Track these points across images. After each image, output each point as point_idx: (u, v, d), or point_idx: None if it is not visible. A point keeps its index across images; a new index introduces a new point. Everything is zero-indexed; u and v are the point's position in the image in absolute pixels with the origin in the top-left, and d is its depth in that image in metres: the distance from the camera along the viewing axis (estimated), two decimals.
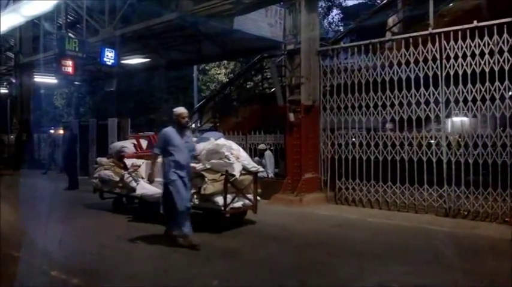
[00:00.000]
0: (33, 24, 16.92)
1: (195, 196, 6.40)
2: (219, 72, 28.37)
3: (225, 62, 26.43)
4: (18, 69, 17.49)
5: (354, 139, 8.77)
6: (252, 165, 6.70)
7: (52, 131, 17.67)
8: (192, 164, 6.44)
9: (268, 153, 10.20)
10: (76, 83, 23.44)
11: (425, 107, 7.98)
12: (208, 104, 16.54)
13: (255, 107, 12.93)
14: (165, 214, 5.75)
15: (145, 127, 23.39)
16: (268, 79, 14.71)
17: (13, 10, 15.05)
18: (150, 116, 29.02)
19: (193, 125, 18.08)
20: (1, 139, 16.46)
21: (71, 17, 16.53)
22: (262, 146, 10.38)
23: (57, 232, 6.40)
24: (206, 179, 6.21)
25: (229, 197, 6.29)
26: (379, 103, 8.41)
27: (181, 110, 5.81)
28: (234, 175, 6.28)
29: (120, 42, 13.89)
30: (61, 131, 31.49)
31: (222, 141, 6.50)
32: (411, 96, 8.09)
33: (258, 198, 6.86)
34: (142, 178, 7.15)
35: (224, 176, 6.22)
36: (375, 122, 8.64)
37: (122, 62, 15.92)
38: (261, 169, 6.87)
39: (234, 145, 6.72)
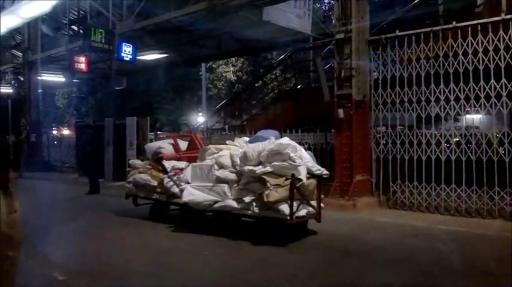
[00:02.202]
0: (42, 20, 16.08)
1: (253, 204, 5.58)
2: (227, 70, 27.56)
3: (233, 59, 25.59)
4: (27, 67, 16.61)
5: (410, 137, 7.94)
6: (317, 167, 5.88)
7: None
8: (249, 167, 5.64)
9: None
10: (77, 80, 22.41)
11: (495, 101, 7.18)
12: (234, 103, 15.58)
13: (288, 103, 12.07)
14: None
15: (150, 127, 22.60)
16: (301, 74, 13.86)
17: (11, 11, 14.35)
18: (155, 116, 28.20)
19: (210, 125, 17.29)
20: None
21: (82, 12, 15.74)
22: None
23: (97, 246, 5.58)
24: (268, 184, 5.37)
25: (294, 204, 5.45)
26: (441, 97, 7.60)
27: None
28: (300, 179, 5.45)
29: (136, 37, 13.07)
30: (63, 132, 30.64)
31: (286, 140, 5.66)
32: (479, 89, 7.28)
33: (322, 205, 6.02)
34: (188, 183, 6.30)
35: (289, 180, 5.38)
36: (436, 118, 7.83)
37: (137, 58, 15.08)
38: (326, 172, 6.03)
39: (297, 145, 5.88)
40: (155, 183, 6.93)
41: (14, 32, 17.58)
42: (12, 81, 17.14)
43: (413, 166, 7.82)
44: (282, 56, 15.12)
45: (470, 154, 7.34)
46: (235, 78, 27.41)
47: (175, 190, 6.58)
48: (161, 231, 6.35)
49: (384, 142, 8.18)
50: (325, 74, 9.57)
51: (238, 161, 5.86)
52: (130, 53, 12.63)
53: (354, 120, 8.08)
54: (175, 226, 6.58)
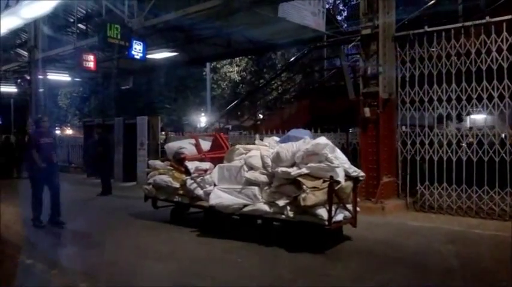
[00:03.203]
0: (49, 18, 15.74)
1: (288, 208, 5.27)
2: (231, 70, 27.24)
3: (237, 59, 25.26)
4: (33, 66, 16.26)
5: (440, 137, 7.64)
6: (353, 169, 5.57)
7: None
8: (283, 169, 5.33)
9: None
10: (79, 79, 21.99)
11: None
12: (243, 103, 15.26)
13: (304, 102, 11.74)
14: None
15: None
16: (316, 72, 13.53)
17: (12, 12, 14.07)
18: (151, 116, 27.80)
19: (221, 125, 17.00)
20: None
21: (90, 10, 15.42)
22: None
23: (123, 253, 5.26)
24: (305, 187, 5.06)
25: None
26: (474, 95, 7.30)
27: None
28: (339, 182, 5.14)
29: (146, 35, 12.74)
30: (66, 132, 30.20)
31: (323, 140, 5.35)
32: None
33: (358, 209, 5.71)
34: (215, 185, 5.99)
35: (327, 183, 5.07)
36: (467, 117, 7.53)
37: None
38: (362, 174, 5.73)
39: (334, 146, 5.57)
40: (177, 185, 6.62)
41: (19, 30, 17.26)
42: (18, 80, 16.77)
43: (442, 167, 7.52)
44: (298, 55, 14.79)
45: (504, 155, 7.04)
46: (239, 78, 27.08)
47: (199, 192, 6.29)
48: (186, 236, 6.03)
49: (411, 142, 7.88)
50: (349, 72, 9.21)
51: (269, 162, 5.55)
52: (141, 50, 12.30)
53: (381, 119, 7.78)
54: (199, 230, 6.26)
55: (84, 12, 15.59)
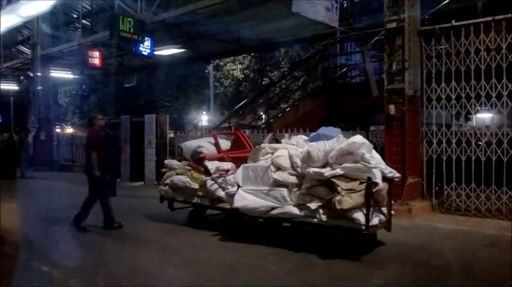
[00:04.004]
0: (52, 14, 15.37)
1: (320, 211, 4.94)
2: (234, 67, 26.87)
3: (241, 57, 24.88)
4: (36, 63, 15.88)
5: (468, 136, 7.33)
6: (389, 170, 5.23)
7: None
8: (315, 169, 5.00)
9: None
10: (78, 76, 21.55)
11: None
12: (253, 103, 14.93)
13: (320, 99, 11.40)
14: None
15: None
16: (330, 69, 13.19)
17: (11, 10, 13.75)
18: (159, 114, 27.45)
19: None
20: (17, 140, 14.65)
21: (95, 6, 15.07)
22: None
23: (147, 258, 4.92)
24: (339, 188, 4.72)
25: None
26: (504, 93, 6.98)
27: None
28: (377, 184, 4.81)
29: (153, 31, 12.39)
30: (67, 130, 29.87)
31: (359, 139, 5.01)
32: None
33: (392, 212, 5.38)
34: (239, 186, 5.65)
35: (364, 185, 4.74)
36: (498, 115, 7.22)
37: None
38: (397, 175, 5.40)
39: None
40: (196, 186, 6.28)
41: (21, 27, 16.92)
42: (21, 78, 16.41)
43: (470, 167, 7.21)
44: (315, 50, 14.45)
45: None
46: (243, 76, 26.74)
47: (221, 193, 5.94)
48: (209, 240, 5.69)
49: (437, 141, 7.55)
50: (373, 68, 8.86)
51: (299, 162, 5.21)
52: (149, 46, 11.99)
53: (406, 117, 7.45)
54: (220, 233, 5.92)
55: (89, 8, 15.22)
